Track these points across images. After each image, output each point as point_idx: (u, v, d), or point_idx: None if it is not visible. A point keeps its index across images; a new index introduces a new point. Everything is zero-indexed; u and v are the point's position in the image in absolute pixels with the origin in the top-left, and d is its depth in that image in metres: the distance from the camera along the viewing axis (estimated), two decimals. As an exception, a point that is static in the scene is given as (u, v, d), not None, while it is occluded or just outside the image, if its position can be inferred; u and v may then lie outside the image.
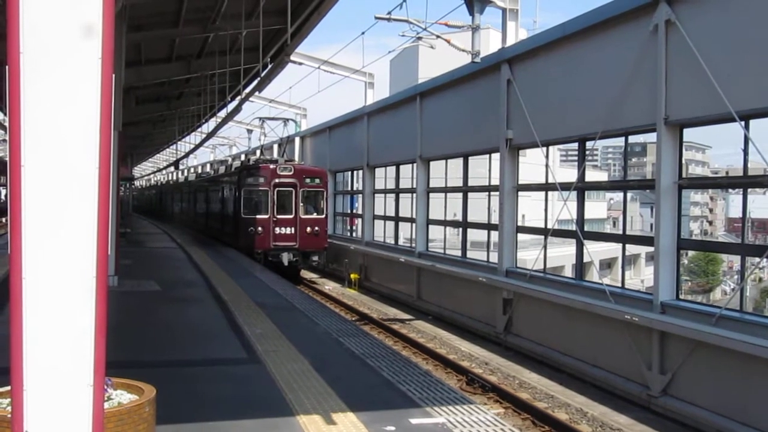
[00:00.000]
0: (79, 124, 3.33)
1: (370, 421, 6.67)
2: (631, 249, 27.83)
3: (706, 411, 10.71)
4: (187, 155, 53.19)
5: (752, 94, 10.15)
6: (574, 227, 14.52)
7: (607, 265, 44.64)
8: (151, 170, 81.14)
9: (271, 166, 25.55)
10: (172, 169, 60.88)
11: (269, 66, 21.08)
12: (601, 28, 13.38)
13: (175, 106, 34.47)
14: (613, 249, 30.99)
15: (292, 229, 24.94)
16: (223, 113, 31.63)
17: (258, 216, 24.81)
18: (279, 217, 24.86)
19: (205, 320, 12.31)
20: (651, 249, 12.42)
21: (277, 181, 25.04)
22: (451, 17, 16.80)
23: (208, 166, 52.85)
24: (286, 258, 24.33)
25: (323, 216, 25.88)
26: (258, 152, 33.59)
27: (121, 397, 4.57)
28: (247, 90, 24.25)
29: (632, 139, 16.30)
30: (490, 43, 22.54)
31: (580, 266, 14.99)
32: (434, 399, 7.61)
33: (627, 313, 12.09)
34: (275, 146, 36.97)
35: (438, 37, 17.48)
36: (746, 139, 10.51)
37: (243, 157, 37.50)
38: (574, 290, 14.23)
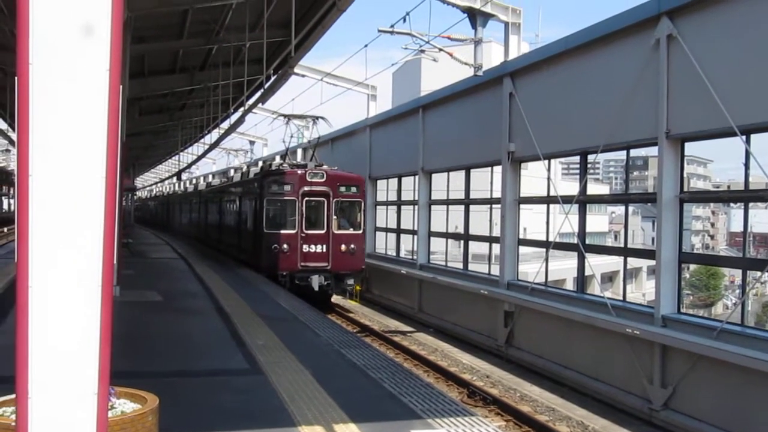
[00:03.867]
0: (87, 134, 3.37)
1: (371, 432, 6.68)
2: (633, 262, 27.84)
3: (708, 425, 10.70)
4: (189, 166, 53.26)
5: (753, 109, 10.20)
6: (575, 240, 14.54)
7: (608, 278, 44.64)
8: (153, 181, 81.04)
9: (299, 172, 21.61)
10: (179, 177, 59.24)
11: (272, 78, 21.18)
12: (603, 42, 13.46)
13: (178, 117, 34.60)
14: (614, 262, 30.98)
15: (324, 246, 21.25)
16: (226, 124, 31.71)
17: (283, 231, 21.17)
18: (308, 232, 21.16)
19: (207, 331, 12.31)
20: (652, 262, 12.43)
21: (306, 189, 21.24)
22: (453, 30, 16.89)
23: (210, 176, 52.44)
24: (316, 281, 20.74)
25: (360, 231, 22.16)
26: (281, 156, 29.57)
27: (124, 406, 4.59)
28: (251, 101, 24.31)
29: (634, 152, 16.32)
30: (492, 57, 22.62)
31: (582, 279, 14.99)
32: (436, 411, 7.60)
33: (628, 327, 12.10)
34: (298, 150, 33.76)
35: (440, 50, 17.56)
36: (747, 153, 10.56)
37: (244, 165, 35.63)
38: (575, 303, 14.24)
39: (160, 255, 29.49)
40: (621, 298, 14.62)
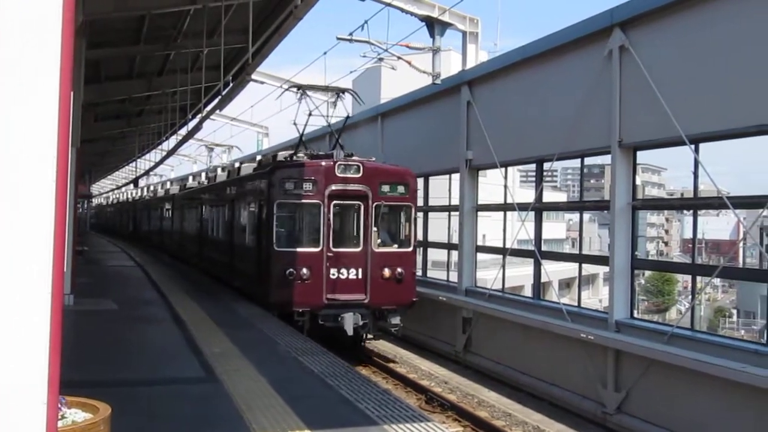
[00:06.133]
0: (36, 141, 3.35)
1: (327, 439, 6.69)
2: (589, 269, 28.28)
3: (660, 428, 10.90)
4: (147, 172, 52.60)
5: (701, 119, 10.47)
6: (532, 247, 14.74)
7: (566, 284, 45.19)
8: (110, 187, 79.66)
9: (324, 164, 15.31)
10: (136, 184, 56.70)
11: (230, 84, 21.09)
12: (558, 52, 13.70)
13: (136, 123, 34.19)
14: (572, 269, 31.30)
15: (360, 270, 15.07)
16: (183, 131, 31.48)
17: (301, 249, 15.02)
18: (338, 250, 15.03)
19: (164, 339, 12.18)
20: (608, 269, 12.66)
21: (334, 188, 15.01)
22: (412, 39, 17.06)
23: (179, 180, 51.43)
24: (350, 322, 14.56)
25: (410, 248, 15.79)
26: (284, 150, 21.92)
27: (75, 415, 4.52)
28: (208, 108, 24.15)
29: (591, 160, 16.59)
30: (451, 65, 22.83)
31: (538, 286, 15.20)
32: (393, 417, 7.64)
33: (583, 332, 12.29)
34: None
35: (399, 58, 17.70)
36: (696, 162, 10.83)
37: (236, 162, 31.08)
38: (532, 309, 14.43)
39: (117, 263, 29.07)
40: (576, 304, 14.87)
